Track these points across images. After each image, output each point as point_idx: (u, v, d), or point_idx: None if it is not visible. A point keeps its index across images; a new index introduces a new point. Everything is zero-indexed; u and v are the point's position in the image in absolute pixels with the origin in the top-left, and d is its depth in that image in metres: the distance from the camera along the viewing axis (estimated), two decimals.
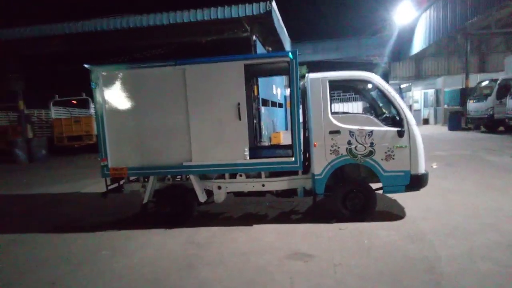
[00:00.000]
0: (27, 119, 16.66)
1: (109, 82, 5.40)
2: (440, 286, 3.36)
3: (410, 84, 25.34)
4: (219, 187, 5.59)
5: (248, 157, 5.27)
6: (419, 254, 4.04)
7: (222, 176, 5.60)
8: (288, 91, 27.87)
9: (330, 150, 5.16)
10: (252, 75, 6.79)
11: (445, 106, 23.26)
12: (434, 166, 9.12)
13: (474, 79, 20.03)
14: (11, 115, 18.30)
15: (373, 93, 6.22)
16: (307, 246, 4.45)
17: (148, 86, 5.38)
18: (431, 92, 24.86)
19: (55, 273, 4.11)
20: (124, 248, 4.75)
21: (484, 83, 18.10)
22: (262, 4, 12.76)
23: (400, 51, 25.96)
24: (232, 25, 14.05)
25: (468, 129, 18.99)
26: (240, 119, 5.20)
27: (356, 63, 30.62)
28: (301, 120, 5.52)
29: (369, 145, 5.08)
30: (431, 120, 24.73)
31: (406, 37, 24.65)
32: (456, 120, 19.22)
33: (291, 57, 5.05)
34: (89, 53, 15.73)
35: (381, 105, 6.15)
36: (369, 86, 5.38)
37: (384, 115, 5.57)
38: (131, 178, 5.83)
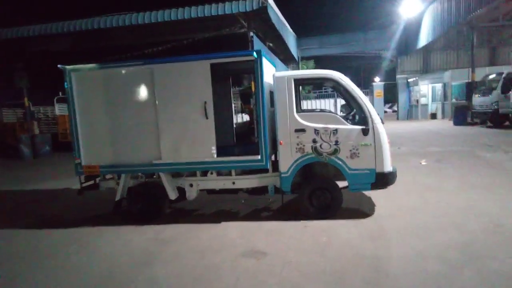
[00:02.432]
0: (32, 116, 17.10)
1: (81, 82, 5.53)
2: (378, 286, 3.36)
3: (417, 78, 24.87)
4: (191, 185, 5.68)
5: (215, 155, 5.34)
6: (372, 253, 4.04)
7: (194, 174, 5.68)
8: None
9: (296, 148, 5.18)
10: (229, 74, 6.81)
11: (453, 100, 22.81)
12: (423, 163, 9.02)
13: (483, 73, 19.52)
14: (19, 112, 18.80)
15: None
16: (266, 244, 4.50)
17: (119, 85, 5.49)
18: (439, 86, 24.38)
19: (18, 267, 4.28)
20: (92, 244, 4.89)
21: (491, 77, 17.64)
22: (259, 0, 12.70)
23: (407, 44, 25.47)
24: (228, 22, 14.05)
25: (474, 124, 18.56)
26: (207, 117, 5.26)
27: (363, 57, 30.22)
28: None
29: (334, 143, 5.08)
30: (439, 114, 24.27)
31: (413, 30, 24.16)
32: (462, 114, 18.82)
33: (255, 56, 5.05)
34: (93, 51, 15.95)
35: None
36: (333, 84, 5.34)
37: (353, 113, 5.54)
38: (107, 176, 5.98)
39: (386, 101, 36.31)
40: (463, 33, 21.89)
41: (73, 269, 4.14)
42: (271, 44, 18.78)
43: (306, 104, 27.69)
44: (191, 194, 5.70)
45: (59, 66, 5.56)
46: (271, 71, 5.92)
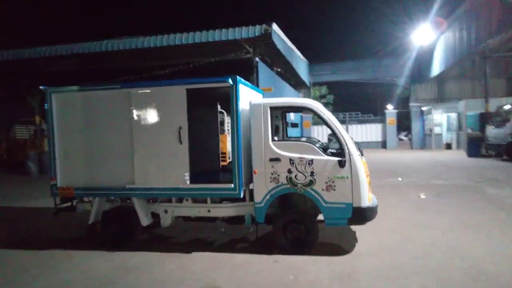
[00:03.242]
0: (42, 132, 17.51)
1: (60, 103, 5.58)
2: None
3: (431, 107, 24.37)
4: (166, 211, 5.53)
5: (188, 182, 5.20)
6: None
7: (169, 200, 5.55)
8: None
9: (270, 178, 5.00)
10: (211, 100, 6.72)
11: (469, 130, 22.14)
12: (422, 197, 8.62)
13: (500, 103, 18.92)
14: (32, 129, 19.31)
15: None
16: (228, 279, 4.27)
17: (96, 108, 5.50)
18: (453, 116, 23.79)
19: None
20: (53, 269, 4.76)
21: (506, 108, 17.05)
22: (260, 26, 12.85)
23: (421, 72, 25.15)
24: (234, 47, 14.23)
25: (489, 156, 17.85)
26: (181, 143, 5.17)
27: (376, 84, 30.01)
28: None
29: (309, 174, 4.87)
30: (454, 145, 23.56)
31: (426, 58, 23.90)
32: (475, 146, 18.17)
33: (231, 83, 4.97)
34: (99, 72, 16.39)
35: None
36: (311, 113, 5.18)
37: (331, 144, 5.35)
38: (85, 198, 5.90)
39: (402, 129, 35.72)
40: (477, 63, 21.48)
41: None
42: (278, 70, 18.86)
43: (317, 130, 27.50)
44: (166, 221, 5.54)
45: (40, 87, 5.63)
46: (254, 98, 5.82)
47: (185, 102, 5.15)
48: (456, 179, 11.26)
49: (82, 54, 15.25)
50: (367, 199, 4.86)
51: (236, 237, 5.88)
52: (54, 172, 5.61)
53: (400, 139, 34.95)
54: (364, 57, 28.68)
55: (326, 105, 32.36)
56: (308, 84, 27.67)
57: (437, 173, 12.76)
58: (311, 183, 4.88)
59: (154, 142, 5.29)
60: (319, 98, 32.03)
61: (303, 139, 6.34)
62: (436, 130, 24.58)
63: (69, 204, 6.00)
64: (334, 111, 31.91)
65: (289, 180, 4.93)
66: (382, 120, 26.40)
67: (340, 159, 4.82)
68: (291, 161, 4.92)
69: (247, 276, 4.36)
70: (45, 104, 5.59)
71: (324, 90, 32.17)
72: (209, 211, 5.40)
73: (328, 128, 5.02)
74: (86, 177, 5.53)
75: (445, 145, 24.23)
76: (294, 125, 24.93)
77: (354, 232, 5.90)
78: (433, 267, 4.43)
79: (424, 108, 25.92)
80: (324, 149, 5.12)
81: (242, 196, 5.11)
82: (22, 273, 4.67)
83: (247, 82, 5.63)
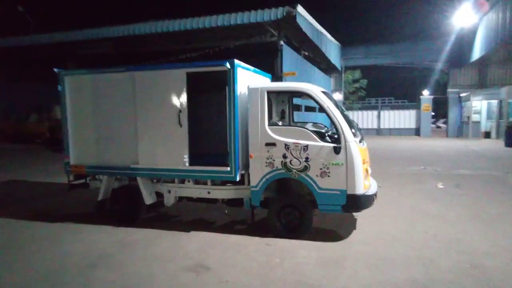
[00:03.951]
0: None
1: (72, 86, 5.86)
2: None
3: (469, 93, 23.00)
4: (169, 191, 5.73)
5: (187, 164, 5.34)
6: (313, 282, 3.78)
7: (172, 180, 5.73)
8: (335, 96, 27.15)
9: (266, 162, 5.02)
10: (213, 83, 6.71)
11: (511, 119, 20.76)
12: (439, 186, 8.30)
13: None
14: None
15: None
16: (217, 259, 4.40)
17: (104, 91, 5.73)
18: (495, 103, 22.36)
19: None
20: (61, 242, 5.09)
21: None
22: (284, 8, 12.61)
23: (460, 56, 23.65)
24: (258, 30, 14.11)
25: None
26: (180, 125, 5.29)
27: (412, 68, 28.67)
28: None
29: (304, 160, 4.85)
30: (493, 134, 22.22)
31: (467, 41, 22.42)
32: None
33: (228, 66, 4.99)
34: (133, 56, 16.86)
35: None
36: (307, 97, 5.09)
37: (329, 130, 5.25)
38: (97, 176, 6.22)
39: (439, 116, 34.09)
40: None
41: (26, 263, 4.35)
42: (306, 53, 18.49)
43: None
44: (169, 200, 5.74)
45: (54, 69, 5.93)
46: (260, 82, 5.80)
47: (185, 85, 5.24)
48: (484, 169, 10.70)
49: (116, 38, 15.76)
50: (362, 186, 4.77)
51: (237, 219, 5.99)
52: (67, 150, 5.96)
53: (438, 127, 33.38)
54: (399, 40, 27.37)
55: (359, 89, 31.52)
56: (339, 68, 26.95)
57: (466, 162, 12.16)
58: (305, 168, 4.86)
59: (156, 124, 5.45)
60: (352, 82, 31.19)
61: (308, 124, 6.28)
62: (475, 117, 23.25)
63: (83, 181, 6.36)
64: (367, 96, 31.05)
65: (284, 165, 4.94)
66: (417, 107, 25.30)
67: (335, 145, 4.75)
68: (287, 146, 4.91)
69: (236, 256, 4.47)
70: (59, 86, 5.90)
71: (357, 74, 31.20)
72: (209, 192, 5.52)
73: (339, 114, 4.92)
74: (96, 156, 5.83)
75: (483, 134, 22.92)
76: (310, 109, 24.48)
77: (356, 220, 5.84)
78: (426, 259, 4.32)
79: (462, 94, 24.54)
80: (324, 135, 5.01)
81: (237, 179, 5.18)
82: (33, 243, 5.04)
83: (248, 66, 5.62)
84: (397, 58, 27.07)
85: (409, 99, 25.92)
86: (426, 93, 26.09)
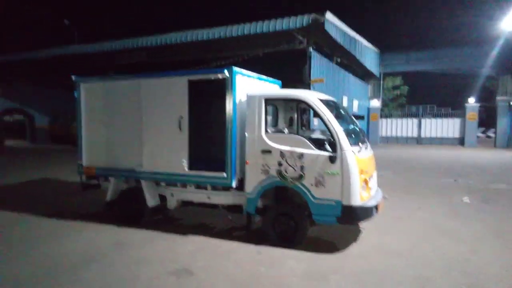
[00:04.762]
0: None
1: (86, 92, 6.19)
2: None
3: None
4: (172, 195, 5.84)
5: (186, 168, 5.42)
6: None
7: (175, 184, 5.83)
8: (372, 103, 26.34)
9: (261, 169, 4.96)
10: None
11: None
12: (465, 201, 7.73)
13: None
14: None
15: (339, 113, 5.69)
16: (204, 265, 4.40)
17: (114, 97, 5.99)
18: None
19: None
20: (67, 238, 5.34)
21: None
22: (310, 16, 12.50)
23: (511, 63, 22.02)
24: (286, 38, 14.06)
25: None
26: (181, 131, 5.39)
27: (456, 74, 27.08)
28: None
29: (299, 168, 4.73)
30: None
31: None
32: None
33: (227, 74, 5.01)
34: (165, 65, 17.47)
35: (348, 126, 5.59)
36: (305, 105, 4.96)
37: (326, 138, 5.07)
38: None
39: (486, 126, 31.84)
40: None
41: (25, 258, 4.59)
42: (338, 60, 18.12)
43: (385, 123, 25.97)
44: (172, 203, 5.85)
45: (72, 76, 6.29)
46: (260, 89, 5.77)
47: (187, 92, 5.34)
48: None
49: (150, 47, 16.45)
50: (358, 197, 4.56)
51: (238, 226, 5.94)
52: (81, 153, 6.27)
53: (488, 137, 31.17)
54: (442, 45, 25.94)
55: (399, 97, 30.35)
56: (377, 74, 26.11)
57: (507, 176, 11.24)
58: (300, 177, 4.73)
59: (159, 129, 5.60)
60: (392, 89, 30.10)
61: (316, 132, 6.13)
62: None
63: (96, 182, 6.65)
64: (408, 104, 29.79)
65: (279, 173, 4.85)
66: (461, 115, 23.81)
67: (330, 154, 4.59)
68: (282, 154, 4.82)
69: (223, 263, 4.44)
70: (75, 93, 6.24)
71: (398, 80, 30.07)
72: (209, 197, 5.55)
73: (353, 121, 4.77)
74: (105, 158, 6.09)
75: None
76: (359, 117, 23.82)
77: (360, 232, 5.59)
78: (423, 279, 4.03)
79: None
80: (324, 143, 4.82)
81: (234, 185, 5.16)
82: (39, 239, 5.32)
83: (251, 74, 5.60)
84: (440, 64, 25.70)
85: (453, 107, 24.38)
86: (472, 100, 24.46)
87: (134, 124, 5.77)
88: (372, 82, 27.27)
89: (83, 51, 17.69)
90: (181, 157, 5.42)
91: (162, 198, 5.94)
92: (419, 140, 25.14)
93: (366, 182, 4.79)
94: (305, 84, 14.40)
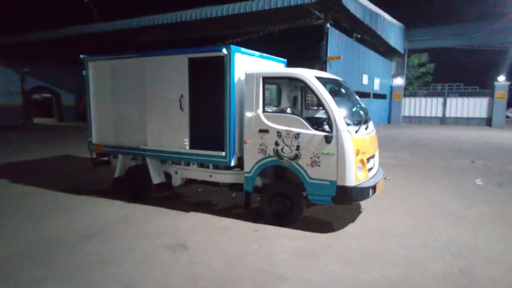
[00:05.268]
0: None
1: (94, 71, 6.34)
2: None
3: None
4: (176, 172, 6.00)
5: (187, 147, 5.52)
6: (279, 272, 3.73)
7: (179, 162, 5.98)
8: (395, 81, 25.54)
9: (259, 149, 5.00)
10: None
11: None
12: (478, 183, 7.53)
13: None
14: None
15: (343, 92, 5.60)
16: (200, 240, 4.55)
17: (120, 75, 6.10)
18: None
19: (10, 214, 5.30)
20: (77, 212, 5.63)
21: None
22: None
23: None
24: (303, 13, 13.75)
25: None
26: (182, 110, 5.47)
27: (485, 51, 25.71)
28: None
29: (295, 148, 4.74)
30: None
31: None
32: None
33: (225, 52, 4.99)
34: (185, 42, 17.51)
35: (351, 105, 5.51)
36: (302, 84, 4.89)
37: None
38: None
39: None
40: None
41: (33, 230, 4.88)
42: (359, 36, 17.56)
43: (409, 102, 25.21)
44: (176, 181, 6.02)
45: (81, 56, 6.44)
46: (259, 67, 5.72)
47: (187, 70, 5.37)
48: None
49: (169, 24, 16.47)
50: (353, 178, 4.54)
51: (240, 204, 6.05)
52: (90, 130, 6.50)
53: None
54: (471, 19, 24.61)
55: (425, 74, 29.23)
56: (402, 51, 25.17)
57: None
58: (296, 157, 4.75)
59: (162, 108, 5.69)
60: (417, 66, 28.99)
61: (321, 111, 6.06)
62: None
63: (106, 159, 6.90)
64: (435, 82, 28.64)
65: (276, 152, 4.87)
66: (490, 94, 22.75)
67: (326, 134, 4.55)
68: (279, 133, 4.83)
69: (218, 239, 4.58)
70: (83, 71, 6.41)
71: (424, 57, 28.86)
72: (211, 176, 5.67)
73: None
74: (112, 136, 6.29)
75: None
76: (380, 96, 23.23)
77: (360, 212, 5.59)
78: (414, 260, 4.02)
79: None
80: (322, 123, 4.77)
81: (232, 164, 5.24)
82: (49, 213, 5.60)
83: (252, 52, 5.56)
84: (469, 40, 24.48)
85: (481, 86, 23.24)
86: (501, 79, 23.21)
87: (139, 102, 5.89)
88: (396, 59, 26.37)
89: (103, 29, 17.92)
90: (182, 136, 5.52)
91: (169, 175, 6.12)
92: (443, 120, 24.36)
93: (363, 162, 4.75)
94: (321, 61, 14.14)
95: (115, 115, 6.24)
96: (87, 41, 19.66)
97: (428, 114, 24.90)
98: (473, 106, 23.64)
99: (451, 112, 24.21)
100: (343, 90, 5.54)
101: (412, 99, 25.40)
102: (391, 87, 25.29)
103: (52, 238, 4.64)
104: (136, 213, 5.56)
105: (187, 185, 6.38)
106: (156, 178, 6.01)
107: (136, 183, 6.18)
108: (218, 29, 16.58)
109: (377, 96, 22.27)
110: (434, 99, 24.67)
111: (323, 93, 4.66)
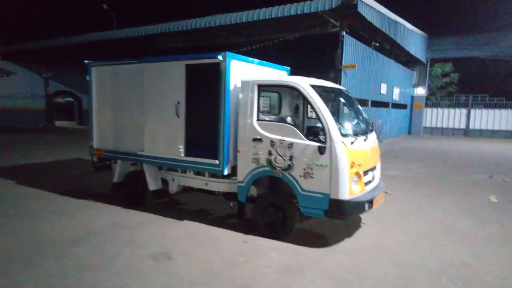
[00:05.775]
0: None
1: (96, 76, 6.40)
2: None
3: None
4: (173, 179, 5.94)
5: (183, 154, 5.45)
6: (255, 287, 3.58)
7: (176, 169, 5.91)
8: (416, 91, 24.90)
9: (252, 158, 4.87)
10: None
11: None
12: (492, 200, 7.11)
13: None
14: None
15: (343, 101, 5.41)
16: (186, 250, 4.44)
17: (121, 81, 6.13)
18: None
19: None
20: (72, 215, 5.64)
21: None
22: None
23: None
24: (318, 21, 13.60)
25: None
26: (178, 116, 5.41)
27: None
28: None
29: (288, 158, 4.58)
30: None
31: None
32: None
33: (221, 59, 4.92)
34: (201, 49, 17.63)
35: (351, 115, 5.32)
36: (297, 93, 4.74)
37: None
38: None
39: None
40: None
41: (27, 232, 4.90)
42: (377, 44, 17.19)
43: (430, 113, 24.49)
44: (173, 188, 5.95)
45: (85, 61, 6.52)
46: (255, 75, 5.60)
47: (184, 77, 5.33)
48: None
49: (185, 31, 16.64)
50: (347, 191, 4.33)
51: (234, 213, 5.90)
52: (92, 135, 6.55)
53: None
54: (498, 29, 23.71)
55: (449, 84, 28.40)
56: (424, 60, 24.52)
57: None
58: (289, 167, 4.59)
59: (159, 114, 5.67)
60: (441, 76, 28.18)
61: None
62: None
63: (107, 163, 6.93)
64: (459, 92, 27.76)
65: (269, 162, 4.73)
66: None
67: (319, 145, 4.38)
68: (272, 142, 4.69)
69: (206, 250, 4.45)
70: (87, 77, 6.48)
71: (448, 67, 28.03)
72: (206, 184, 5.57)
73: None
74: (112, 141, 6.30)
75: None
76: (400, 106, 22.64)
77: (358, 227, 5.36)
78: (405, 279, 3.78)
79: None
80: (318, 133, 4.60)
81: (225, 173, 5.12)
82: (45, 216, 5.63)
83: (251, 59, 5.46)
84: (494, 50, 23.61)
85: (507, 98, 22.31)
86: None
87: (137, 108, 5.89)
88: (418, 68, 25.71)
89: (122, 36, 18.30)
90: (177, 142, 5.46)
91: (166, 182, 6.06)
92: (467, 132, 23.50)
93: (359, 175, 4.54)
94: (336, 69, 13.90)
95: (116, 120, 6.26)
96: (107, 47, 20.11)
97: (451, 126, 24.10)
98: (498, 118, 22.72)
99: (475, 124, 23.35)
100: (342, 100, 5.35)
101: (434, 109, 24.66)
102: (412, 97, 24.65)
103: (43, 240, 4.64)
104: (129, 220, 5.52)
105: (186, 193, 6.30)
106: (152, 185, 5.96)
107: (133, 189, 6.15)
108: (233, 36, 16.62)
109: (396, 106, 21.71)
110: (458, 110, 23.86)
111: (317, 102, 4.49)
